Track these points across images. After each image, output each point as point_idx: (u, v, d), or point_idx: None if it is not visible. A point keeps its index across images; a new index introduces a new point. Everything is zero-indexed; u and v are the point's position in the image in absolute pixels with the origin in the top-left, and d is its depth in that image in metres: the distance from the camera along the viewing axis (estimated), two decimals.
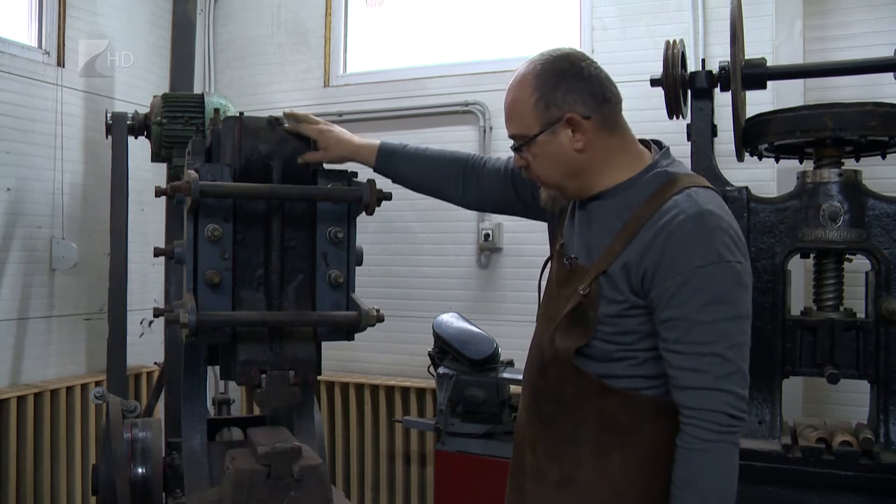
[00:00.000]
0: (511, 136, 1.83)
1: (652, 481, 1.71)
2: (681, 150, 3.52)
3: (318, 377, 2.03)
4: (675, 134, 3.61)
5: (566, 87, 1.73)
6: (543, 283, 1.99)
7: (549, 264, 1.96)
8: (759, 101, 3.67)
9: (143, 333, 4.89)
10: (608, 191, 1.77)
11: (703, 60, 3.63)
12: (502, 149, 4.36)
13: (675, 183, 1.72)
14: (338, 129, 2.09)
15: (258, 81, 5.49)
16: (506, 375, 3.70)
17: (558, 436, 1.81)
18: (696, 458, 1.63)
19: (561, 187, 1.83)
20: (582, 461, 1.77)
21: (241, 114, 1.97)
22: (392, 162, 2.13)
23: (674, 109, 3.40)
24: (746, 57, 3.34)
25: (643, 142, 1.85)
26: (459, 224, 4.83)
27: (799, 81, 3.91)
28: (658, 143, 1.85)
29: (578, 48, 4.59)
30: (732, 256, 1.63)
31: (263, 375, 1.86)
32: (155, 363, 4.67)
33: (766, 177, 3.93)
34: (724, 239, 1.63)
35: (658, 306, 1.65)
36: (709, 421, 1.61)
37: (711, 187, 1.76)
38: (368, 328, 2.00)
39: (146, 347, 4.84)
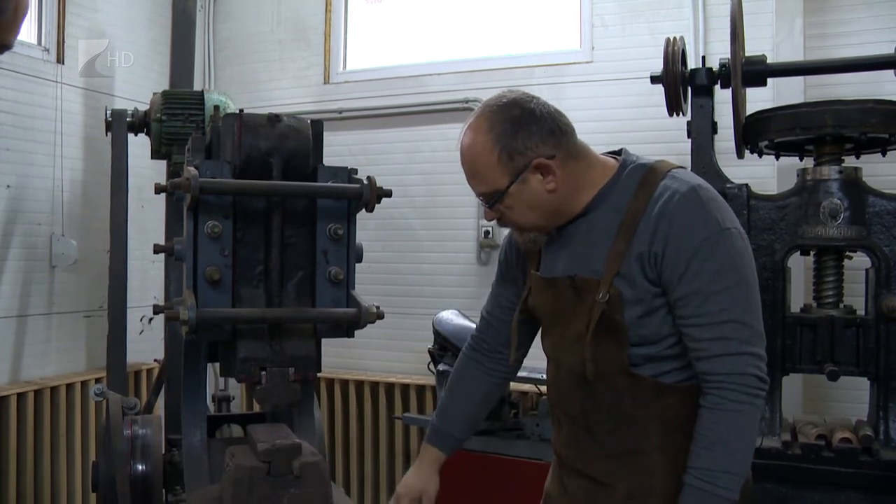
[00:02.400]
0: (480, 195, 1.81)
1: None
2: (681, 147, 3.56)
3: (318, 374, 2.04)
4: (675, 131, 3.64)
5: (525, 133, 1.72)
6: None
7: (527, 300, 1.95)
8: (759, 99, 3.66)
9: (142, 330, 4.88)
10: (589, 205, 1.79)
11: (704, 57, 3.64)
12: None
13: (654, 170, 1.76)
14: (412, 482, 2.11)
15: (258, 78, 5.48)
16: None
17: (621, 453, 1.81)
18: (727, 419, 1.65)
19: (541, 227, 1.84)
20: (653, 470, 1.77)
21: (241, 111, 1.97)
22: (448, 435, 2.15)
23: (674, 106, 3.40)
24: (747, 54, 3.35)
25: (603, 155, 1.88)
26: (459, 221, 4.83)
27: (799, 79, 3.91)
28: (617, 151, 1.88)
29: (579, 46, 4.64)
30: (731, 223, 1.70)
31: (263, 372, 1.86)
32: (155, 360, 4.68)
33: (766, 174, 3.92)
34: (719, 208, 1.71)
35: (671, 286, 1.68)
36: (740, 384, 1.64)
37: (682, 167, 1.82)
38: (368, 325, 2.00)
39: (146, 344, 4.83)
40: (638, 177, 1.76)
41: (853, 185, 3.09)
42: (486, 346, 2.13)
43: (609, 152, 1.88)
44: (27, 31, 4.45)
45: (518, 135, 1.71)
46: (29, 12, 1.20)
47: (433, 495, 2.08)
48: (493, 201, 1.78)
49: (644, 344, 1.74)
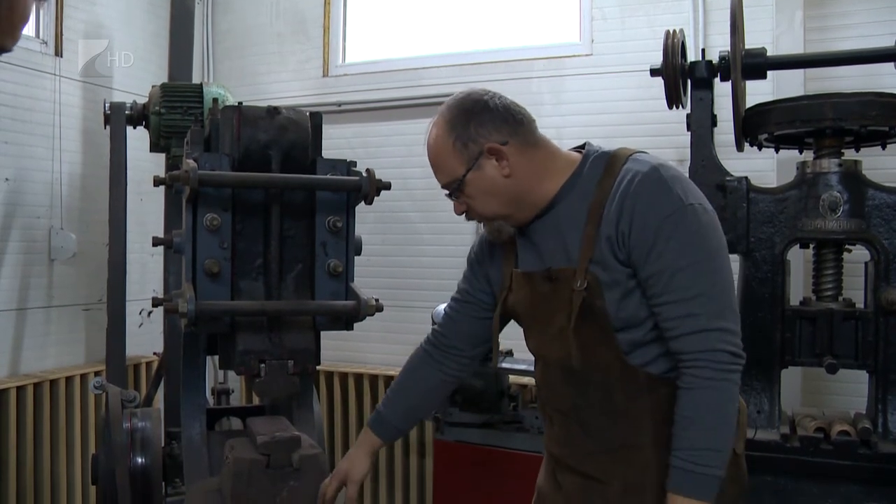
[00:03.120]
0: (444, 187, 1.87)
1: None
2: (680, 140, 3.56)
3: (318, 367, 2.04)
4: (674, 124, 3.63)
5: (476, 122, 1.78)
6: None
7: (507, 299, 1.96)
8: (759, 92, 3.66)
9: (142, 324, 4.89)
10: (557, 195, 1.82)
11: (703, 50, 3.62)
12: None
13: (616, 157, 1.79)
14: (341, 464, 2.10)
15: (257, 71, 5.47)
16: (504, 366, 3.71)
17: (615, 447, 1.81)
18: (700, 396, 1.65)
19: (506, 216, 1.86)
20: (647, 465, 1.76)
21: (240, 103, 1.96)
22: (389, 424, 2.13)
23: (674, 99, 3.40)
24: (746, 47, 3.34)
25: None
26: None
27: (799, 72, 3.90)
28: (581, 146, 1.91)
29: (578, 38, 4.63)
30: (694, 199, 1.71)
31: (262, 365, 1.86)
32: (154, 353, 4.68)
33: (765, 167, 3.92)
34: (682, 185, 1.72)
35: (639, 265, 1.69)
36: (711, 360, 1.64)
37: (644, 151, 1.84)
38: (367, 318, 2.00)
39: (145, 337, 4.83)
40: (602, 164, 1.79)
41: (853, 178, 3.08)
42: (444, 342, 2.14)
43: (573, 148, 1.90)
44: None
45: (471, 124, 1.78)
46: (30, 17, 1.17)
47: (357, 479, 2.06)
48: (454, 190, 1.83)
49: (627, 328, 1.74)
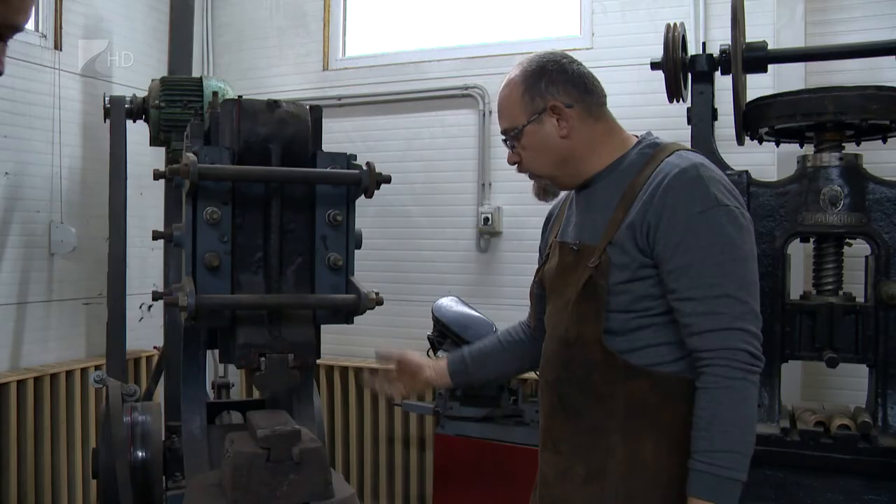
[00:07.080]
0: (503, 132, 1.93)
1: (682, 462, 1.68)
2: (681, 134, 3.54)
3: (318, 361, 2.03)
4: (675, 118, 3.63)
5: (548, 80, 1.85)
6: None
7: (543, 267, 2.02)
8: (759, 85, 3.65)
9: (142, 318, 4.89)
10: (601, 172, 1.86)
11: (704, 44, 3.62)
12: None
13: (665, 148, 1.82)
14: (412, 357, 2.25)
15: (256, 65, 5.47)
16: None
17: (585, 429, 1.81)
18: (720, 396, 1.63)
19: (552, 177, 1.92)
20: (612, 452, 1.76)
21: (240, 97, 1.96)
22: (464, 361, 2.22)
23: (674, 93, 3.39)
24: (747, 40, 3.33)
25: None
26: (459, 208, 4.83)
27: (800, 65, 3.89)
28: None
29: (579, 32, 4.62)
30: (729, 201, 1.71)
31: (263, 358, 1.86)
32: (154, 347, 4.69)
33: (766, 161, 3.92)
34: (719, 186, 1.72)
35: (664, 258, 1.69)
36: (731, 359, 1.63)
37: (694, 150, 1.86)
38: (368, 312, 1.99)
39: (145, 332, 4.84)
40: (648, 152, 1.83)
41: (853, 172, 3.08)
42: (529, 319, 2.20)
43: (635, 134, 1.94)
44: None
45: (543, 80, 1.85)
46: None
47: (408, 357, 2.24)
48: (511, 138, 1.89)
49: (620, 311, 1.75)
